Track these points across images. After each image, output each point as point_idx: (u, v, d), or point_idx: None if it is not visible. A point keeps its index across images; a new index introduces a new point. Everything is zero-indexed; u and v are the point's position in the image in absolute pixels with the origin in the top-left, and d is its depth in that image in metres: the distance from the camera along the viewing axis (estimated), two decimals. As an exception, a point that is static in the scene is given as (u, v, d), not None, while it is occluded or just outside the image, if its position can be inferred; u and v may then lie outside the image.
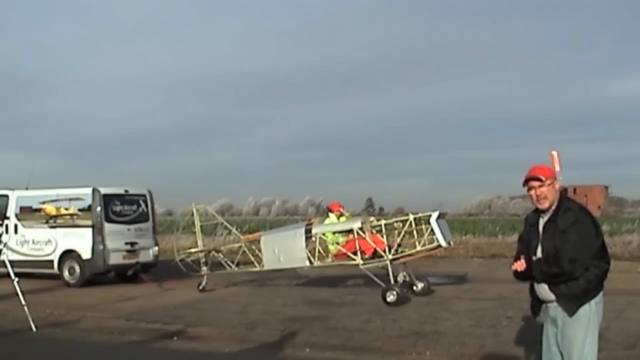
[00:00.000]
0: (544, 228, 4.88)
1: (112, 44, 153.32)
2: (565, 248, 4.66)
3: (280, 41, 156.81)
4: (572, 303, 4.72)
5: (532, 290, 4.99)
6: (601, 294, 4.82)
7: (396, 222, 13.95)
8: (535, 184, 4.86)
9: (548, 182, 4.84)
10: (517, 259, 4.94)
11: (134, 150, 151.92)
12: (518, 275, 4.92)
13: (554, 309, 4.82)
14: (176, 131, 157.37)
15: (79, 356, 9.03)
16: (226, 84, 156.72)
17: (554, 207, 4.85)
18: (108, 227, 16.10)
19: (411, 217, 13.35)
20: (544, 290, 4.84)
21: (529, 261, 4.84)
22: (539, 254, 4.85)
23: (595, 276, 4.72)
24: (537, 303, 4.99)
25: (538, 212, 4.97)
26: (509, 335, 9.08)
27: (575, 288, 4.69)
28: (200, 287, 14.69)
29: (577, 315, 4.72)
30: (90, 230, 16.00)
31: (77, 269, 16.05)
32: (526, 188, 4.94)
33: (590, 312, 4.74)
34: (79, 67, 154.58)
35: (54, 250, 16.38)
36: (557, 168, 5.31)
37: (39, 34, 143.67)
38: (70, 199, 16.48)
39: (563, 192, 4.95)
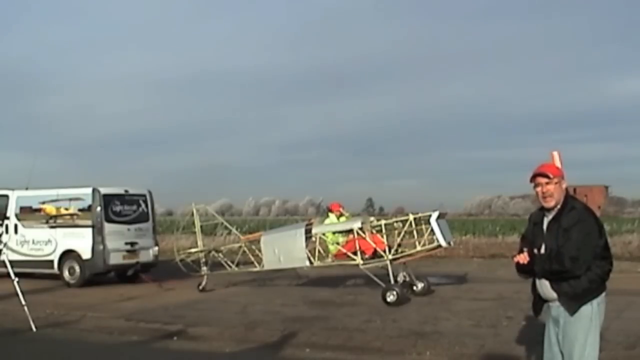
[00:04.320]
0: (548, 226, 4.87)
1: (111, 44, 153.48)
2: (567, 246, 4.66)
3: (280, 41, 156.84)
4: (573, 302, 4.72)
5: (534, 289, 4.98)
6: (603, 294, 4.81)
7: (396, 222, 13.95)
8: (543, 180, 4.85)
9: (555, 180, 4.84)
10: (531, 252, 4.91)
11: (134, 150, 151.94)
12: (520, 268, 4.89)
13: (556, 309, 4.81)
14: (176, 131, 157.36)
15: (79, 356, 9.02)
16: (226, 84, 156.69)
17: (559, 206, 4.84)
18: (108, 227, 16.10)
19: (411, 217, 13.34)
20: (546, 288, 4.83)
21: (532, 255, 4.82)
22: (542, 252, 4.84)
23: (598, 276, 4.72)
24: (539, 302, 4.97)
25: (542, 211, 4.96)
26: (509, 335, 9.09)
27: (577, 287, 4.68)
28: (200, 287, 14.69)
29: (579, 315, 4.72)
30: (90, 230, 16.00)
31: (77, 269, 16.05)
32: (532, 185, 4.92)
33: (592, 312, 4.73)
34: (79, 67, 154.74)
35: (54, 250, 16.38)
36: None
37: (39, 34, 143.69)
38: (70, 199, 16.47)
39: (567, 191, 4.94)
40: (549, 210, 4.88)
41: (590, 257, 4.67)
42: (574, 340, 4.73)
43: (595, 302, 4.73)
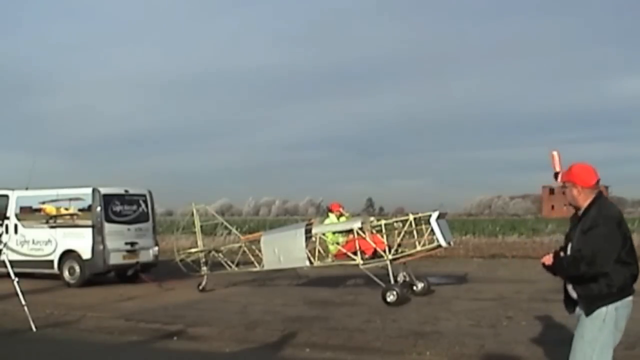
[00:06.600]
0: (576, 227, 4.90)
1: (112, 44, 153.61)
2: (583, 251, 4.66)
3: (280, 41, 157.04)
4: (589, 303, 4.72)
5: (565, 287, 5.00)
6: (628, 299, 4.76)
7: (396, 222, 13.94)
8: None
9: (567, 185, 4.90)
10: (557, 253, 4.97)
11: (134, 150, 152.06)
12: (546, 268, 4.93)
13: (579, 308, 4.85)
14: (176, 131, 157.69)
15: (79, 356, 9.02)
16: (226, 84, 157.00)
17: (584, 209, 4.85)
18: (108, 227, 16.10)
19: (411, 217, 13.34)
20: (570, 288, 4.88)
21: (557, 256, 4.85)
22: (569, 252, 4.88)
23: (616, 281, 4.67)
24: (568, 299, 4.98)
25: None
26: (509, 335, 9.08)
27: (594, 289, 4.69)
28: (200, 287, 14.69)
29: (592, 316, 4.71)
30: (90, 230, 16.00)
31: (77, 269, 16.05)
32: None
33: (607, 315, 4.69)
34: (79, 67, 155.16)
35: (54, 250, 16.39)
36: (557, 168, 5.28)
37: (38, 33, 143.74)
38: (70, 199, 16.47)
39: (600, 192, 4.89)
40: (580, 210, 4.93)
41: (607, 262, 4.62)
42: (579, 337, 4.75)
43: (612, 305, 4.69)
